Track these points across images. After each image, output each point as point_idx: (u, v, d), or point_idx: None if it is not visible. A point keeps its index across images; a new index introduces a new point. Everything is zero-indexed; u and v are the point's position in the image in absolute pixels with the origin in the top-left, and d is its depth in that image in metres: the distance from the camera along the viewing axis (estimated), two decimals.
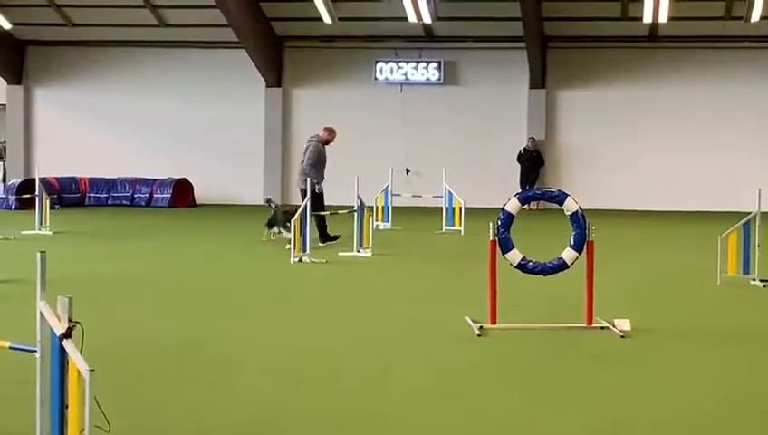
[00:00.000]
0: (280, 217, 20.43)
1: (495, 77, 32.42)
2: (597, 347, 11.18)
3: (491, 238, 11.90)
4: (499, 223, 11.93)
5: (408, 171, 32.17)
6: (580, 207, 11.98)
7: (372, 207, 22.29)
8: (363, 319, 12.81)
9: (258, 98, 33.15)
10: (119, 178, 31.76)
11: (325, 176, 20.65)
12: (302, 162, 20.59)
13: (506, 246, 11.94)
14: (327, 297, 14.75)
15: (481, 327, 11.74)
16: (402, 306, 13.91)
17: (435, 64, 32.50)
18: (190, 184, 31.78)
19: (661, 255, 20.52)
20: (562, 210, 12.12)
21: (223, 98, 33.09)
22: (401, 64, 32.65)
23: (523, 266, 12.05)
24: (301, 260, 18.06)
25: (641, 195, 31.75)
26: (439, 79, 32.54)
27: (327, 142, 20.85)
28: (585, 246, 11.94)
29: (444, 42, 32.50)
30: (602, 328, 11.88)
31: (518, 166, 31.96)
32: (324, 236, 20.26)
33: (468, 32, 31.94)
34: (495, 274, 11.87)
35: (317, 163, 20.40)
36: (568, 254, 12.01)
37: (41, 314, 6.55)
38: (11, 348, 6.92)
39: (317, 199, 19.66)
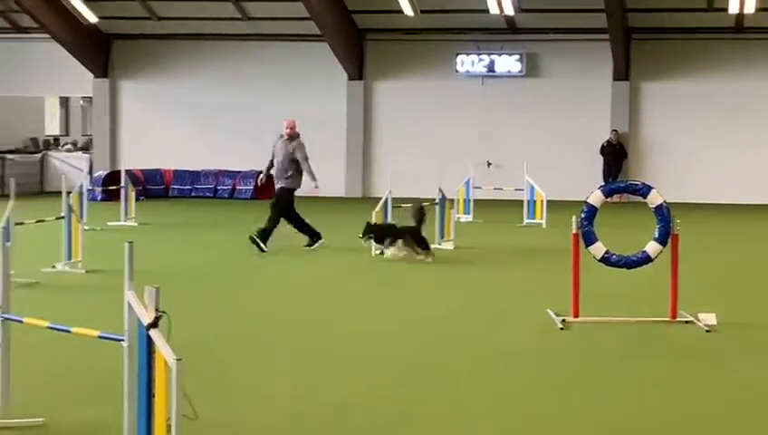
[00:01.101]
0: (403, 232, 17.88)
1: (578, 69, 32.16)
2: (681, 341, 11.08)
3: (574, 231, 11.84)
4: (582, 216, 11.87)
5: (489, 164, 32.06)
6: (664, 200, 11.87)
7: (453, 200, 22.23)
8: (445, 312, 12.80)
9: (340, 91, 33.22)
10: (202, 171, 32.03)
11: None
12: (283, 162, 19.08)
13: (589, 239, 11.87)
14: (407, 290, 14.76)
15: (564, 320, 11.69)
16: (484, 299, 13.89)
17: (517, 56, 32.32)
18: (272, 177, 31.92)
19: (747, 248, 20.26)
20: (646, 203, 12.03)
21: (304, 91, 33.19)
22: (483, 57, 32.51)
23: (606, 260, 11.97)
24: (382, 253, 18.08)
25: (726, 188, 31.35)
26: (521, 71, 32.37)
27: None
28: (669, 240, 11.83)
29: (526, 34, 32.31)
30: (687, 322, 11.76)
31: (601, 158, 31.70)
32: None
33: (551, 23, 31.73)
34: (578, 267, 11.80)
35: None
36: (652, 247, 11.91)
37: (128, 303, 6.63)
38: (100, 337, 7.03)
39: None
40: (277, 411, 8.18)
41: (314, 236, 18.99)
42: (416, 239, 17.44)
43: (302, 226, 19.04)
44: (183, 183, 32.20)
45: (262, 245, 18.18)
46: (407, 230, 17.60)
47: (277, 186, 19.05)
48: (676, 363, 10.06)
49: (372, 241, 17.63)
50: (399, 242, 17.30)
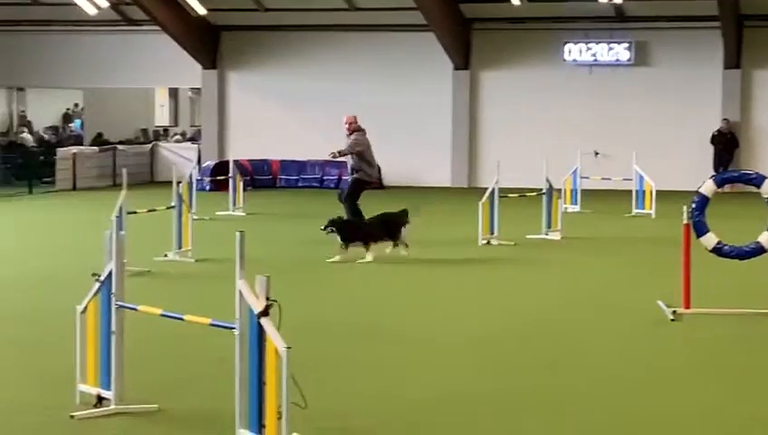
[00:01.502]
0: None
1: (688, 57, 31.68)
2: None
3: (685, 222, 11.67)
4: (693, 206, 11.70)
5: (596, 153, 31.75)
6: None
7: (561, 190, 22.07)
8: (553, 302, 12.73)
9: (446, 81, 33.14)
10: (309, 161, 32.20)
11: (372, 165, 19.40)
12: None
13: (701, 229, 11.71)
14: (515, 281, 14.70)
15: (674, 311, 11.54)
16: (592, 290, 13.77)
17: (625, 45, 31.94)
18: (378, 166, 32.00)
19: None
20: (759, 193, 11.82)
21: (411, 81, 33.18)
22: (591, 45, 32.19)
23: (718, 250, 11.80)
24: (488, 242, 18.02)
25: None
26: (630, 60, 31.98)
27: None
28: None
29: (635, 22, 31.91)
30: None
31: (711, 148, 31.22)
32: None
33: (660, 11, 31.29)
34: (689, 258, 11.64)
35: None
36: (765, 238, 11.70)
37: (239, 292, 6.70)
38: (211, 325, 7.12)
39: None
40: (385, 401, 8.20)
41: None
42: (388, 231, 16.67)
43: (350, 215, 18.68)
44: (290, 173, 32.41)
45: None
46: (375, 223, 16.89)
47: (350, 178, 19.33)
48: None
49: (339, 239, 16.41)
50: (374, 246, 16.38)
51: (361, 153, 18.92)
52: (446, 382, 8.80)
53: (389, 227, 16.77)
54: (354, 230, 16.68)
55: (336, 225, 16.46)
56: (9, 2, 34.25)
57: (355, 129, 19.19)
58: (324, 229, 16.41)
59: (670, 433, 7.45)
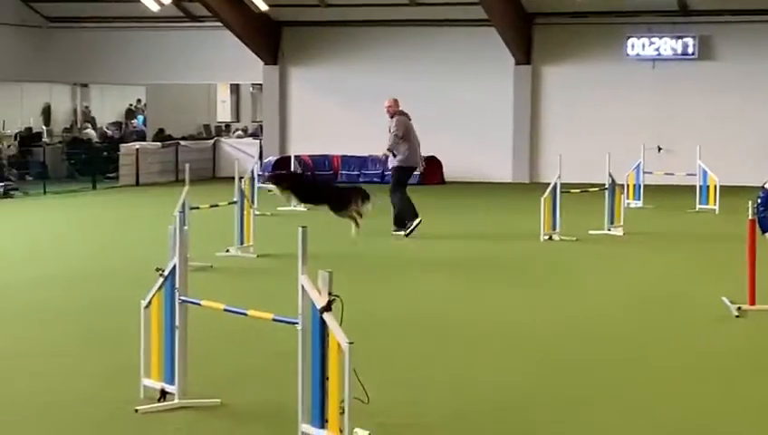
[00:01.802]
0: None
1: (753, 51, 31.33)
2: None
3: (750, 217, 11.55)
4: (758, 201, 11.58)
5: (659, 148, 31.50)
6: None
7: (623, 185, 21.92)
8: (616, 299, 12.65)
9: (507, 76, 33.02)
10: (370, 156, 32.18)
11: (411, 150, 19.32)
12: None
13: (766, 225, 11.57)
14: (578, 276, 14.62)
15: (739, 308, 11.42)
16: (656, 285, 13.67)
17: (689, 39, 31.67)
18: (439, 162, 31.97)
19: None
20: None
21: (472, 76, 33.09)
22: (654, 39, 31.94)
23: None
24: (550, 238, 17.95)
25: None
26: (693, 54, 31.69)
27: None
28: None
29: (699, 16, 31.61)
30: None
31: None
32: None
33: (724, 5, 30.96)
34: (754, 254, 11.51)
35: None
36: None
37: (302, 287, 6.71)
38: (274, 320, 7.14)
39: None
40: (449, 395, 8.19)
41: (400, 224, 18.76)
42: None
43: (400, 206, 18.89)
44: (351, 169, 32.45)
45: (409, 228, 18.44)
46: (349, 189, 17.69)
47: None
48: None
49: (293, 199, 17.16)
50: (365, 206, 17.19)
51: (402, 136, 18.90)
52: (510, 377, 8.77)
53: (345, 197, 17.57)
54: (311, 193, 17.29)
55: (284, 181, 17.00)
56: None
57: (395, 112, 19.25)
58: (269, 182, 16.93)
59: (736, 429, 7.38)
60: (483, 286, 13.64)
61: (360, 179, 32.13)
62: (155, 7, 31.48)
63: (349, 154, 32.64)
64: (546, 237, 17.89)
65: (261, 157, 32.01)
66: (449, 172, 32.18)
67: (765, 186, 11.63)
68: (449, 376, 8.82)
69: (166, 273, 7.79)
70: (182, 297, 7.70)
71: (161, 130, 37.79)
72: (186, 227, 8.02)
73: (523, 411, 7.82)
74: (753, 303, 11.50)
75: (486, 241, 18.20)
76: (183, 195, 14.18)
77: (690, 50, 31.72)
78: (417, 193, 27.68)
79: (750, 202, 11.60)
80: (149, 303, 7.97)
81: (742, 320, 11.13)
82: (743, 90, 31.40)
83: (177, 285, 7.69)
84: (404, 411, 7.74)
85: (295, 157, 24.91)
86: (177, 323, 7.72)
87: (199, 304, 7.73)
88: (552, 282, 14.08)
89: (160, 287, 7.85)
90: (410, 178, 20.02)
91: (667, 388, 8.49)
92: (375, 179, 32.06)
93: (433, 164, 31.86)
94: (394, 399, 7.98)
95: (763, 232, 11.57)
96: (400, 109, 19.37)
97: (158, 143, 33.48)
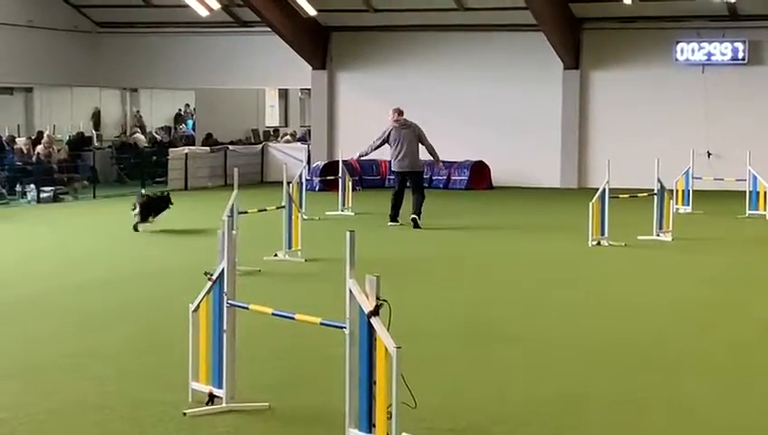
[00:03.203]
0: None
1: None
2: None
3: None
4: None
5: (709, 154, 31.29)
6: None
7: (672, 191, 21.80)
8: (664, 304, 12.59)
9: (556, 80, 32.92)
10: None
11: (398, 157, 21.18)
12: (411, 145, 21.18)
13: None
14: (626, 281, 14.55)
15: None
16: (706, 292, 13.58)
17: (739, 44, 31.43)
18: (487, 166, 31.92)
19: None
20: None
21: (520, 81, 33.02)
22: (703, 44, 31.72)
23: None
24: (599, 243, 17.88)
25: None
26: (744, 59, 31.46)
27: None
28: None
29: (749, 20, 31.37)
30: None
31: None
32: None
33: None
34: None
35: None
36: None
37: (350, 291, 6.73)
38: (321, 324, 7.16)
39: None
40: (496, 401, 8.19)
41: (395, 217, 20.83)
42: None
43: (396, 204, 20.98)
44: None
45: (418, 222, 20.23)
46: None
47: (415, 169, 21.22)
48: None
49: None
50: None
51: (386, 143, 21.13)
52: (558, 382, 8.75)
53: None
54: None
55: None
56: (123, 4, 34.89)
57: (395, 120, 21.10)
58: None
59: None
60: (530, 292, 13.61)
61: (408, 185, 32.14)
62: (204, 12, 31.66)
63: None
64: (594, 243, 17.82)
65: (309, 161, 32.10)
66: (497, 177, 32.11)
67: None
68: (496, 381, 8.81)
69: (214, 277, 7.83)
70: (230, 301, 7.74)
71: (210, 135, 37.98)
72: (234, 232, 8.06)
73: (569, 417, 7.80)
74: None
75: (534, 246, 18.15)
76: (231, 199, 14.26)
77: (740, 55, 31.49)
78: (465, 198, 27.73)
79: None
80: (198, 306, 8.02)
81: None
82: None
83: (225, 289, 7.74)
84: (451, 416, 7.74)
85: (343, 162, 24.95)
86: (225, 326, 7.77)
87: (247, 308, 7.76)
88: (599, 287, 14.02)
89: (209, 291, 7.90)
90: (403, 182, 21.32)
91: (720, 394, 8.44)
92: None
93: (481, 168, 31.85)
94: (441, 403, 7.99)
95: None
96: (395, 117, 21.38)
97: (207, 148, 33.65)
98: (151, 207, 20.33)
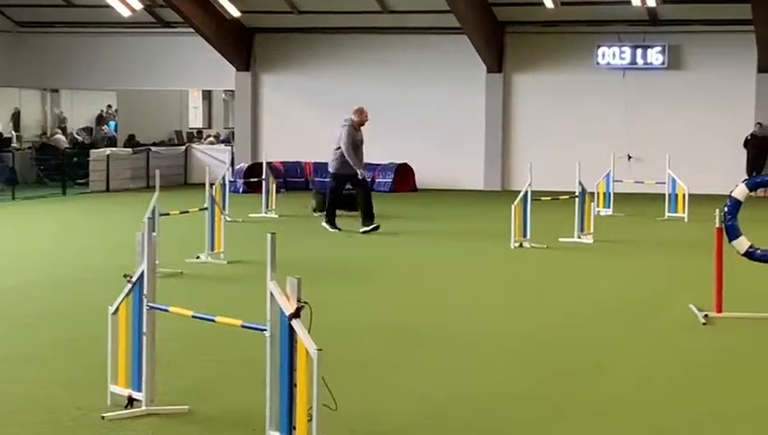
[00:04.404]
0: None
1: (722, 61, 31.54)
2: None
3: (717, 225, 11.63)
4: (726, 210, 11.65)
5: (629, 157, 31.67)
6: None
7: (594, 193, 22.03)
8: (585, 306, 12.70)
9: (479, 84, 33.11)
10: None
11: (362, 159, 20.22)
12: (336, 148, 20.05)
13: (733, 233, 11.65)
14: (547, 283, 14.67)
15: (706, 316, 11.49)
16: (624, 293, 13.73)
17: (659, 48, 31.82)
18: (411, 169, 32.04)
19: None
20: None
21: (444, 84, 33.16)
22: (624, 49, 32.10)
23: (750, 254, 11.74)
24: (521, 245, 18.01)
25: None
26: (663, 63, 31.86)
27: (360, 124, 20.22)
28: None
29: (668, 25, 31.81)
30: None
31: (744, 152, 31.08)
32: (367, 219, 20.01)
33: (694, 15, 31.14)
34: (722, 262, 11.60)
35: (352, 146, 19.86)
36: None
37: (271, 293, 6.72)
38: (242, 327, 7.14)
39: (363, 183, 20.24)
40: (417, 402, 8.21)
41: (331, 223, 20.25)
42: None
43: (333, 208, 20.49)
44: (323, 176, 32.20)
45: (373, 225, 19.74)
46: None
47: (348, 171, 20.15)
48: None
49: None
50: None
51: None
52: (478, 384, 8.80)
53: None
54: None
55: None
56: (44, 3, 34.50)
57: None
58: None
59: None
60: (453, 294, 13.67)
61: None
62: (126, 13, 31.43)
63: (321, 161, 32.59)
64: (517, 245, 17.96)
65: (233, 163, 31.98)
66: (421, 180, 32.24)
67: (732, 194, 11.71)
68: (419, 383, 8.83)
69: (134, 279, 7.77)
70: (150, 304, 7.69)
71: (132, 136, 37.69)
72: (154, 233, 8.00)
73: (493, 418, 7.84)
74: (720, 310, 11.58)
75: (457, 248, 18.24)
76: (153, 201, 14.15)
77: (660, 59, 31.90)
78: (389, 200, 27.78)
79: (717, 210, 11.68)
80: (117, 309, 7.95)
81: (709, 327, 11.21)
82: (711, 99, 31.62)
83: (145, 292, 7.68)
84: (373, 418, 7.75)
85: (267, 163, 24.89)
86: (144, 329, 7.71)
87: (167, 311, 7.71)
88: (521, 289, 14.12)
89: (128, 293, 7.84)
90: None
91: (633, 395, 8.53)
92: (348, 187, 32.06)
93: (405, 171, 31.93)
94: (363, 406, 7.99)
95: (730, 240, 11.65)
96: (364, 118, 20.38)
97: (129, 149, 33.39)
98: None
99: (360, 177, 20.00)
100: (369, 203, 20.08)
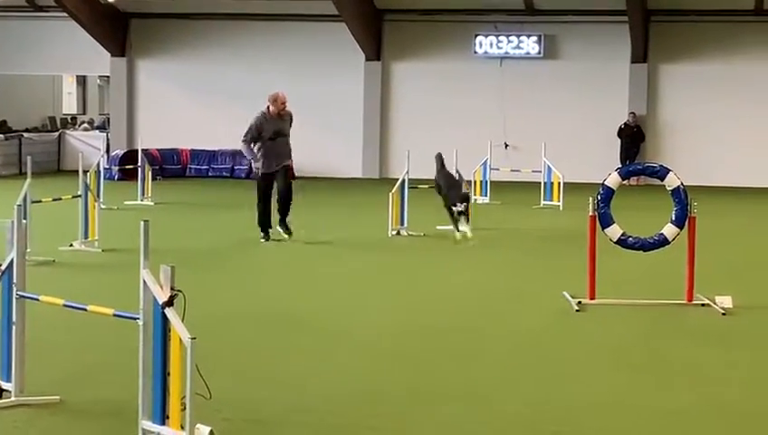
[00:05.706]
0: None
1: (596, 51, 32.03)
2: (697, 324, 11.06)
3: (590, 213, 11.80)
4: (599, 198, 11.83)
5: (506, 145, 31.99)
6: (681, 183, 11.84)
7: (471, 182, 22.20)
8: (460, 294, 12.80)
9: (357, 72, 33.16)
10: (219, 151, 31.98)
11: (276, 152, 18.39)
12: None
13: (606, 221, 11.84)
14: (424, 272, 14.75)
15: (579, 302, 11.67)
16: (500, 281, 13.88)
17: (535, 38, 32.19)
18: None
19: (764, 232, 20.19)
20: (664, 186, 11.99)
21: (322, 71, 33.12)
22: (501, 38, 32.41)
23: (622, 242, 11.94)
24: (398, 233, 18.07)
25: (744, 171, 31.21)
26: (539, 53, 32.24)
27: (277, 114, 18.45)
28: (687, 222, 11.79)
29: (544, 15, 32.19)
30: (703, 305, 11.73)
31: (618, 141, 31.62)
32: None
33: (569, 5, 31.58)
34: (595, 249, 11.78)
35: (251, 138, 18.01)
36: (669, 230, 11.87)
37: (144, 282, 6.64)
38: (115, 315, 7.04)
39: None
40: (293, 392, 8.19)
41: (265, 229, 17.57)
42: None
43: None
44: (200, 163, 32.19)
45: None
46: None
47: (283, 164, 18.56)
48: (692, 346, 10.03)
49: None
50: None
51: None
52: (357, 373, 8.80)
53: None
54: None
55: None
56: None
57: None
58: None
59: (578, 423, 7.53)
60: (328, 283, 13.67)
61: (210, 174, 31.92)
62: None
63: (198, 148, 32.36)
64: (394, 233, 18.01)
65: (108, 150, 31.52)
66: (299, 167, 32.07)
67: (605, 182, 11.89)
68: (293, 373, 8.81)
69: (3, 267, 7.61)
70: (20, 292, 7.54)
71: (4, 122, 36.89)
72: (25, 221, 7.84)
73: (368, 407, 7.85)
74: (592, 297, 11.77)
75: (333, 237, 18.23)
76: (24, 188, 13.87)
77: (536, 49, 32.28)
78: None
79: (591, 199, 11.85)
80: None
81: (582, 314, 11.37)
82: (586, 88, 32.11)
83: (14, 280, 7.52)
84: (248, 407, 7.71)
85: (143, 150, 24.59)
86: (14, 318, 7.55)
87: (38, 300, 7.57)
88: (396, 278, 14.17)
89: None
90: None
91: (508, 382, 8.62)
92: (224, 174, 31.89)
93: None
94: (238, 395, 7.94)
95: (603, 228, 11.83)
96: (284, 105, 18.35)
97: (1, 135, 32.68)
98: None
99: (254, 170, 18.37)
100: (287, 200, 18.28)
